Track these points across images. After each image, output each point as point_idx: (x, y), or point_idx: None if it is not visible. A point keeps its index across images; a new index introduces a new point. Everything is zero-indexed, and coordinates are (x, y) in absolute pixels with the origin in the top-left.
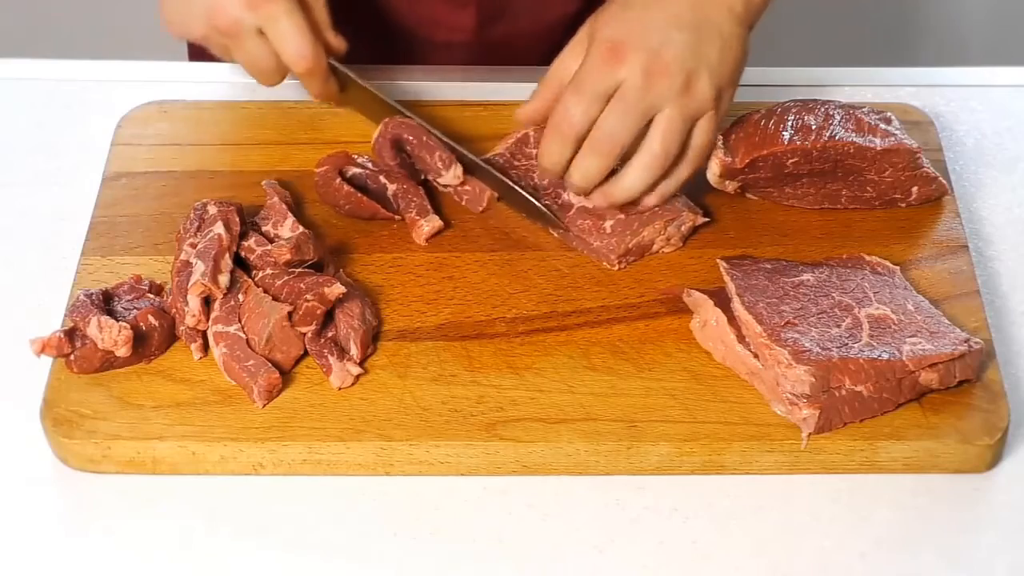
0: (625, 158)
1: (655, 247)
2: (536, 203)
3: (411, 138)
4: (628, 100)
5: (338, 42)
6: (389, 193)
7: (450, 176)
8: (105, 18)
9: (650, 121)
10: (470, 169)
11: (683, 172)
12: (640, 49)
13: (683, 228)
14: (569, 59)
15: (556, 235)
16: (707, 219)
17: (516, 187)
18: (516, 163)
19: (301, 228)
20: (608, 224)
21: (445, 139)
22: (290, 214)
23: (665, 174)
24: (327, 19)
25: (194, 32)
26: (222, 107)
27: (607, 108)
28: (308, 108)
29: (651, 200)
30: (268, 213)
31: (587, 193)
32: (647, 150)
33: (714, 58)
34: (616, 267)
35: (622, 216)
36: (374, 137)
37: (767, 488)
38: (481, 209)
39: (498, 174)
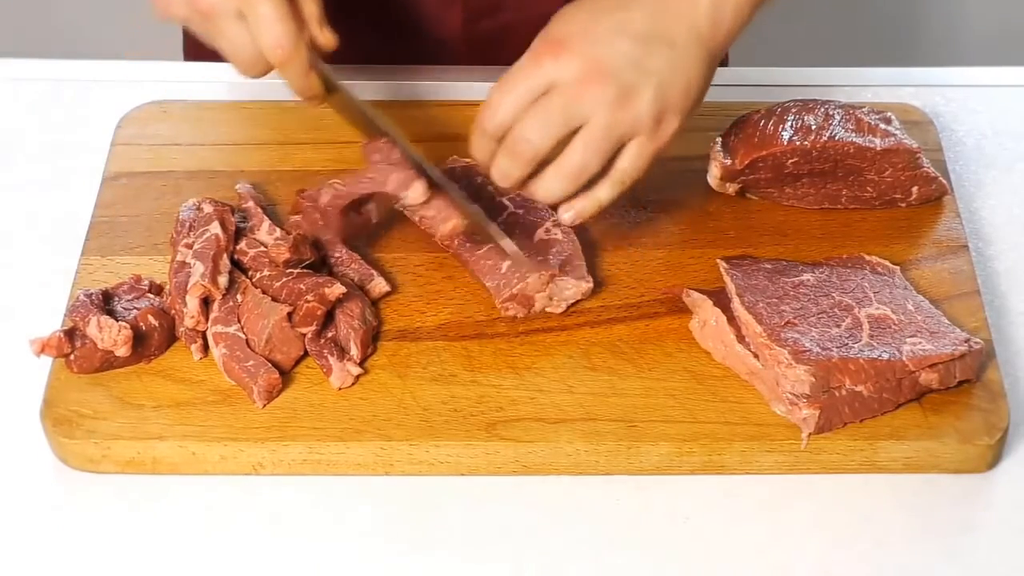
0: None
1: (538, 304)
2: (507, 242)
3: (378, 158)
4: (551, 106)
5: (327, 38)
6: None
7: (411, 197)
8: (105, 18)
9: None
10: (438, 187)
11: (602, 194)
12: (579, 52)
13: (567, 293)
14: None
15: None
16: (590, 285)
17: (482, 217)
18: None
19: (278, 231)
20: (505, 265)
21: (415, 156)
22: (266, 217)
23: (585, 191)
24: (318, 12)
25: (175, 13)
26: (222, 107)
27: (529, 111)
28: (308, 108)
29: (566, 216)
30: (246, 216)
31: (510, 191)
32: (565, 159)
33: (662, 77)
34: (506, 312)
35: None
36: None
37: (767, 488)
38: (441, 237)
39: (465, 199)
